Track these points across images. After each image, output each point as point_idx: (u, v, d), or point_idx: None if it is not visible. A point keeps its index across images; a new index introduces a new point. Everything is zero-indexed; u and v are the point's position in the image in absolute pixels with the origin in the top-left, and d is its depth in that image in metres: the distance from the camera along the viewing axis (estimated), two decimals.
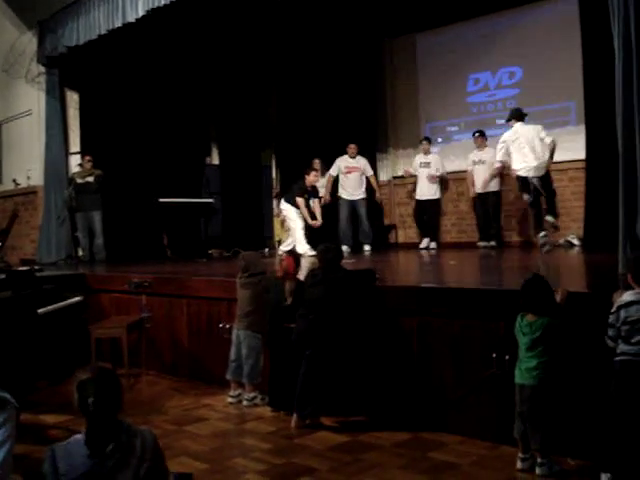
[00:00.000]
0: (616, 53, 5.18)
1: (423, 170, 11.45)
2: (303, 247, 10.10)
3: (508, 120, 9.31)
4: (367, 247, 11.11)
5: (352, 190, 11.32)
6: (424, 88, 12.50)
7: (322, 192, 11.33)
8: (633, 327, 3.71)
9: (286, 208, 10.58)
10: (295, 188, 10.54)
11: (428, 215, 11.56)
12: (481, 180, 10.63)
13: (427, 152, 11.54)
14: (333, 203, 11.44)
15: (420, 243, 11.50)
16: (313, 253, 9.76)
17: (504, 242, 10.77)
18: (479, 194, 10.77)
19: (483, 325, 4.76)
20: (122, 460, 2.62)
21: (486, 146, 10.77)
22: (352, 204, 11.30)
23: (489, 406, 4.71)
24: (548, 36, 10.74)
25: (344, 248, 10.48)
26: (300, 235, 10.35)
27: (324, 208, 11.19)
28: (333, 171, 11.44)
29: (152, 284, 7.52)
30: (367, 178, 11.54)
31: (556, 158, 9.45)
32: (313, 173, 10.62)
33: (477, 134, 10.92)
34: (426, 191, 11.45)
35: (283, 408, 5.59)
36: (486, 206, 10.69)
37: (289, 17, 11.12)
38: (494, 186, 10.62)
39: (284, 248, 10.35)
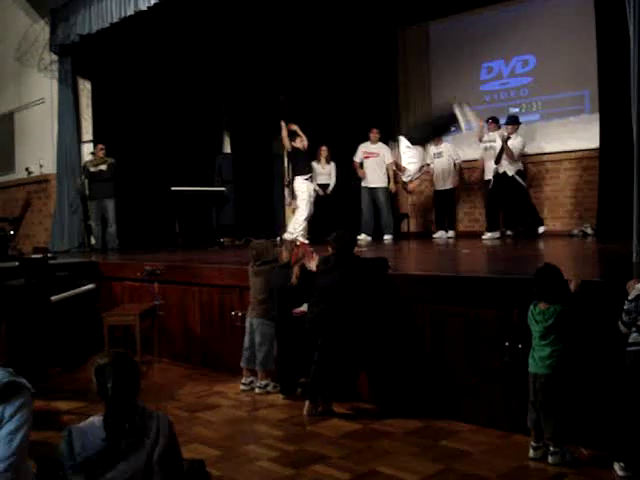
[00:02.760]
0: (631, 40, 5.15)
1: (437, 161, 11.31)
2: (294, 227, 10.09)
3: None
4: (387, 236, 10.97)
5: (370, 177, 11.18)
6: (437, 76, 12.46)
7: (329, 180, 11.32)
8: None
9: (296, 182, 10.38)
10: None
11: (447, 205, 11.39)
12: (490, 166, 10.48)
13: (439, 142, 11.41)
14: (357, 191, 11.37)
15: (435, 233, 11.37)
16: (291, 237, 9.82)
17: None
18: (489, 180, 10.56)
19: (496, 314, 4.75)
20: (136, 441, 2.66)
21: (498, 129, 10.57)
22: (371, 192, 11.17)
23: (502, 395, 4.71)
24: (562, 24, 10.67)
25: (363, 236, 10.51)
26: (300, 218, 10.18)
27: (347, 196, 11.26)
28: (356, 157, 11.34)
29: (164, 272, 7.55)
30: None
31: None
32: (299, 139, 10.41)
33: (490, 120, 10.71)
34: (442, 181, 11.32)
35: (293, 393, 5.65)
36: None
37: (303, 5, 11.08)
38: (511, 170, 10.22)
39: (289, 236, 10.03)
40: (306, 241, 9.28)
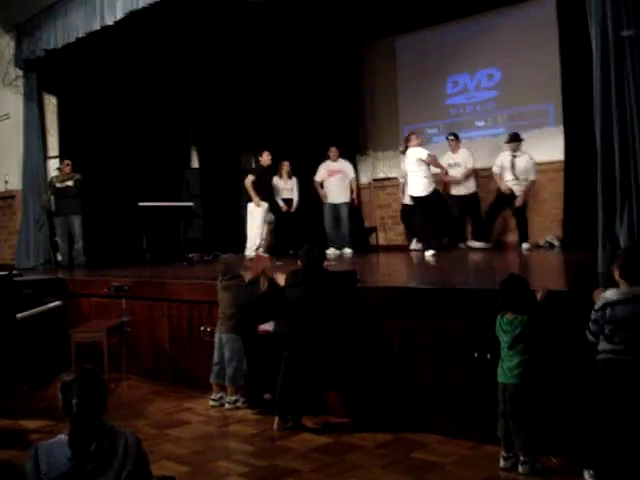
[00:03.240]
0: (594, 55, 5.23)
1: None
2: (250, 245, 10.34)
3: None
4: (347, 250, 10.91)
5: (335, 194, 11.17)
6: (403, 90, 12.53)
7: (291, 194, 11.35)
8: (617, 327, 3.73)
9: (248, 208, 10.64)
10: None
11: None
12: (456, 182, 10.62)
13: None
14: (319, 206, 11.35)
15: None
16: (251, 255, 9.86)
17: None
18: (454, 196, 10.70)
19: (464, 325, 4.78)
20: (103, 462, 2.61)
21: (460, 148, 10.70)
22: (335, 208, 11.14)
23: (471, 406, 4.73)
24: (526, 38, 10.80)
25: (331, 251, 10.50)
26: (252, 234, 10.45)
27: (311, 211, 11.26)
28: (317, 177, 11.36)
29: (132, 288, 7.49)
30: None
31: (535, 159, 9.57)
32: (265, 153, 10.68)
33: (451, 137, 10.73)
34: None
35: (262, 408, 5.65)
36: (462, 208, 10.62)
37: (268, 20, 11.12)
38: (472, 188, 10.59)
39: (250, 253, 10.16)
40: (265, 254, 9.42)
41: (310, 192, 11.46)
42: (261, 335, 5.65)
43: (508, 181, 9.72)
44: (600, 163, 5.21)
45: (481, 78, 11.61)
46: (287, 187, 11.39)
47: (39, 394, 6.44)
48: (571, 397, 4.22)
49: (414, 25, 11.99)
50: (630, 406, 3.69)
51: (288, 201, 11.33)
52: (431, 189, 9.79)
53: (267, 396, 5.69)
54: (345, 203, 11.19)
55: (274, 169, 11.21)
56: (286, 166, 11.39)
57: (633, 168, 5.02)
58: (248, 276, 6.06)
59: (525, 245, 9.57)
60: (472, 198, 10.55)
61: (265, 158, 10.77)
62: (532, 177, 9.59)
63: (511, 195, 9.68)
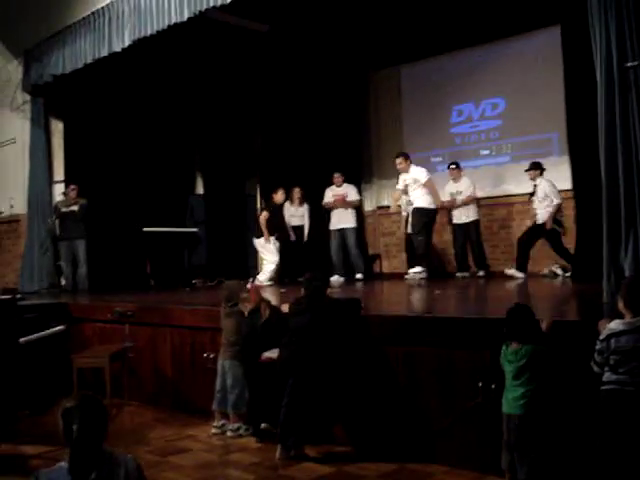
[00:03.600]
0: (598, 85, 5.26)
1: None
2: (264, 276, 10.45)
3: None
4: (359, 275, 10.88)
5: (339, 219, 11.16)
6: (408, 119, 12.61)
7: (302, 221, 11.37)
8: (622, 357, 3.71)
9: (256, 242, 10.73)
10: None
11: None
12: (459, 211, 10.66)
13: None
14: (326, 233, 11.36)
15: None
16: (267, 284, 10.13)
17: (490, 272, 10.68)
18: (459, 225, 10.73)
19: (469, 354, 4.75)
20: None
21: (462, 177, 10.74)
22: (341, 234, 11.11)
23: (476, 436, 4.69)
24: (531, 68, 10.88)
25: (335, 278, 10.49)
26: (267, 268, 10.57)
27: (319, 238, 11.28)
28: (326, 200, 11.35)
29: (135, 313, 7.47)
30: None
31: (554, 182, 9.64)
32: (280, 191, 10.81)
33: (452, 166, 10.82)
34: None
35: (264, 436, 5.57)
36: (466, 237, 10.65)
37: (275, 48, 11.23)
38: (473, 215, 10.60)
39: (261, 277, 10.40)
40: (255, 283, 9.51)
41: (318, 219, 11.49)
42: (264, 363, 5.61)
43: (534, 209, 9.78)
44: (605, 193, 5.22)
45: (485, 107, 11.68)
46: (298, 214, 11.43)
47: (41, 419, 6.39)
48: (576, 429, 4.18)
49: (419, 54, 12.12)
50: (634, 437, 3.66)
51: (298, 228, 11.36)
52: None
53: (264, 425, 5.65)
54: (352, 228, 11.14)
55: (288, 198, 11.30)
56: (297, 192, 11.41)
57: (638, 199, 5.02)
58: (248, 307, 6.04)
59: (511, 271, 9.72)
60: (473, 226, 10.56)
61: (279, 196, 10.86)
62: (556, 200, 9.42)
63: (536, 223, 9.68)
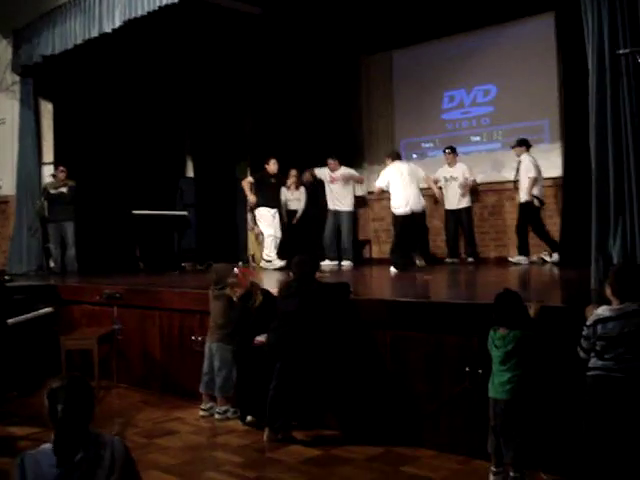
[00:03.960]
0: (590, 72, 5.25)
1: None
2: (267, 254, 10.44)
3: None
4: (346, 262, 10.81)
5: (336, 200, 11.06)
6: (400, 104, 12.58)
7: (298, 205, 11.34)
8: (608, 343, 3.72)
9: (258, 212, 10.73)
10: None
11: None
12: (452, 196, 10.67)
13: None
14: (320, 217, 11.33)
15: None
16: (272, 265, 10.15)
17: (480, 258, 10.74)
18: (451, 211, 10.75)
19: (457, 339, 4.77)
20: (89, 471, 2.58)
21: (457, 162, 10.76)
22: (336, 216, 11.04)
23: (462, 420, 4.72)
24: (523, 54, 10.86)
25: (326, 262, 10.46)
26: (268, 241, 10.53)
27: (311, 222, 11.29)
28: (318, 172, 11.28)
29: (124, 296, 7.46)
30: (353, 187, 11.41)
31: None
32: (272, 161, 10.80)
33: (448, 150, 10.84)
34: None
35: (254, 422, 5.56)
36: (458, 223, 10.67)
37: (267, 31, 11.16)
38: (466, 202, 10.63)
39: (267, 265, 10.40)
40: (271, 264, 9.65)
41: (313, 203, 11.53)
42: (254, 347, 5.61)
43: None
44: (594, 180, 5.22)
45: (477, 93, 11.66)
46: (294, 197, 11.39)
47: (29, 400, 6.39)
48: (562, 413, 4.21)
49: (411, 40, 12.07)
50: (619, 423, 3.68)
51: (293, 212, 11.35)
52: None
53: (249, 419, 5.64)
54: (348, 212, 11.11)
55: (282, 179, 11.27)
56: (293, 176, 11.36)
57: (627, 186, 5.03)
58: (238, 291, 6.01)
59: (515, 258, 9.70)
60: (465, 212, 10.59)
61: (271, 166, 10.81)
62: (531, 174, 9.42)
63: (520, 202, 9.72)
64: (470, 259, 10.43)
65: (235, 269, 6.54)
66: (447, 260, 10.59)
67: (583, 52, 5.45)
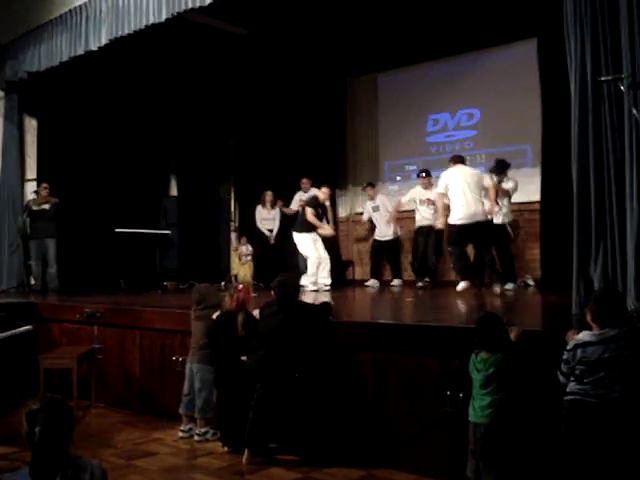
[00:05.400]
0: (572, 98, 5.30)
1: (375, 214, 11.38)
2: (309, 279, 9.83)
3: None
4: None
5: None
6: (384, 126, 12.65)
7: (273, 224, 11.36)
8: (588, 368, 3.73)
9: (298, 238, 10.12)
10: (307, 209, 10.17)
11: (389, 254, 11.38)
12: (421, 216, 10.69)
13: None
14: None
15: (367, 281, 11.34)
16: (315, 288, 9.70)
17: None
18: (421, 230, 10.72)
19: (438, 362, 4.77)
20: None
21: (432, 185, 10.74)
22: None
23: (442, 444, 4.70)
24: (507, 79, 10.97)
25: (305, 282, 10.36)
26: (311, 265, 9.94)
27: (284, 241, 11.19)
28: (293, 206, 11.42)
29: (105, 315, 7.41)
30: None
31: (512, 199, 9.62)
32: (323, 190, 10.35)
33: (423, 174, 10.82)
34: (385, 231, 11.30)
35: (234, 445, 5.50)
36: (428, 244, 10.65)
37: (252, 52, 11.22)
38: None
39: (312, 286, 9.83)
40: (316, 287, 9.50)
41: (288, 222, 11.41)
42: (237, 365, 5.54)
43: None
44: (576, 206, 5.25)
45: (461, 117, 11.75)
46: (270, 217, 11.41)
47: (6, 420, 6.31)
48: (542, 438, 4.21)
49: (396, 63, 12.17)
50: (595, 448, 3.68)
51: (271, 231, 11.37)
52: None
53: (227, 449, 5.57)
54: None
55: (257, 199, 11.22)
56: (269, 195, 11.43)
57: (608, 212, 5.06)
58: (227, 305, 5.95)
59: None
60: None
61: (323, 196, 10.38)
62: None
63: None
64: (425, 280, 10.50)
65: (240, 285, 6.49)
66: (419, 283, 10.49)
67: (564, 77, 5.50)
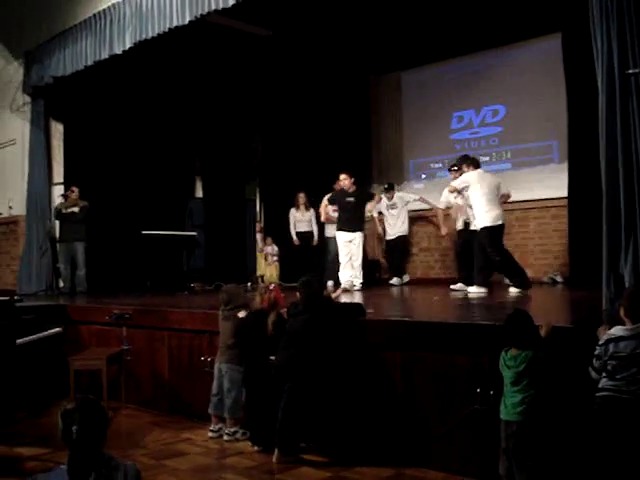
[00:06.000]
0: (599, 92, 5.25)
1: (391, 212, 11.36)
2: (344, 276, 9.67)
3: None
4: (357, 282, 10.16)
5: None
6: (409, 125, 12.61)
7: (309, 227, 11.32)
8: (620, 363, 3.70)
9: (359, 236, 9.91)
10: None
11: (397, 252, 11.43)
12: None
13: (392, 197, 11.27)
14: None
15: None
16: (355, 287, 9.56)
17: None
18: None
19: (467, 360, 4.74)
20: None
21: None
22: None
23: (473, 442, 4.67)
24: (531, 75, 10.89)
25: (330, 283, 10.31)
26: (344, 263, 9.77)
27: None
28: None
29: (133, 316, 7.45)
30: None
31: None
32: (342, 176, 9.97)
33: (454, 168, 10.09)
34: (398, 229, 11.32)
35: (263, 443, 5.51)
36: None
37: (277, 52, 11.23)
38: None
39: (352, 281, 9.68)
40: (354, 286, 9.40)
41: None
42: (266, 365, 5.55)
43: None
44: (605, 201, 5.20)
45: (486, 114, 11.69)
46: (304, 219, 11.36)
47: (37, 421, 6.37)
48: (574, 435, 4.16)
49: (420, 60, 12.14)
50: (628, 445, 3.64)
51: (305, 234, 11.32)
52: None
53: (257, 448, 5.56)
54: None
55: (289, 203, 11.22)
56: (302, 197, 11.40)
57: (638, 206, 5.00)
58: (258, 302, 5.97)
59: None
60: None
61: (343, 182, 10.03)
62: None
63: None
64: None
65: (272, 285, 6.49)
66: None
67: (589, 72, 5.46)
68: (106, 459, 2.65)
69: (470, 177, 8.49)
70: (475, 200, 8.39)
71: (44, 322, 7.55)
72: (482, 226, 8.25)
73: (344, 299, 7.62)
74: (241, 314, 5.98)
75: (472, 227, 8.97)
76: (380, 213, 11.53)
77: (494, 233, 8.26)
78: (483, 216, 8.26)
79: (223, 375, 5.97)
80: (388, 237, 11.51)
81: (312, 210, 11.47)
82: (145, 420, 6.81)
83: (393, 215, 11.36)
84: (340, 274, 9.78)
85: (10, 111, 11.49)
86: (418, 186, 12.29)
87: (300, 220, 11.41)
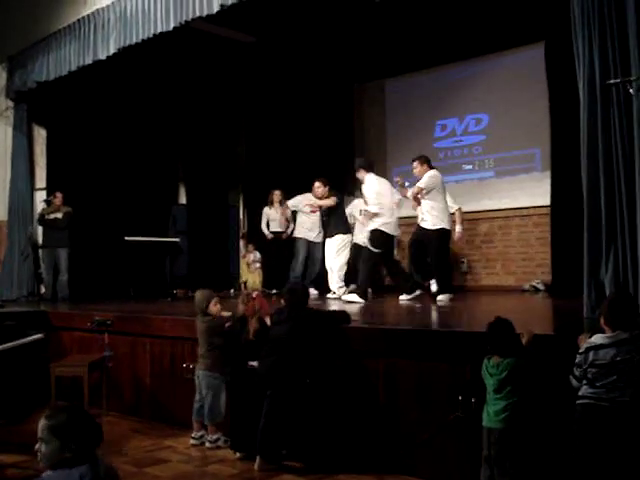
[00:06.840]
0: (581, 101, 5.29)
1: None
2: (335, 285, 9.42)
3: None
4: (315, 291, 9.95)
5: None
6: (392, 132, 12.65)
7: (281, 226, 11.20)
8: (600, 370, 3.72)
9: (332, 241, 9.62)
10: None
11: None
12: None
13: None
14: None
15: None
16: (338, 295, 9.20)
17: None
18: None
19: (449, 367, 4.75)
20: None
21: None
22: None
23: (455, 450, 4.68)
24: (514, 84, 10.96)
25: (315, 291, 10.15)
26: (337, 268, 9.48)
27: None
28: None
29: (115, 323, 7.41)
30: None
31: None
32: (316, 184, 9.78)
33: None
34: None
35: (245, 450, 5.49)
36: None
37: (260, 59, 11.24)
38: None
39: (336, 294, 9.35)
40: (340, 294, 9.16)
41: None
42: (249, 372, 5.54)
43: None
44: (586, 210, 5.24)
45: (469, 122, 11.74)
46: (278, 217, 11.14)
47: (17, 429, 6.32)
48: (555, 443, 4.18)
49: (404, 69, 12.17)
50: (607, 453, 3.66)
51: (278, 234, 11.18)
52: None
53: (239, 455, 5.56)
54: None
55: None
56: (277, 195, 11.17)
57: (619, 215, 5.05)
58: (240, 312, 5.95)
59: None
60: None
61: (315, 190, 9.86)
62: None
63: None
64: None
65: (254, 292, 6.48)
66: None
67: (572, 81, 5.51)
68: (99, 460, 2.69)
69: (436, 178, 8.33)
70: (438, 200, 8.25)
71: (25, 328, 7.50)
72: (444, 227, 8.23)
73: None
74: (204, 320, 5.96)
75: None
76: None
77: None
78: (445, 218, 8.23)
79: (201, 382, 5.96)
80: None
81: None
82: (126, 427, 6.78)
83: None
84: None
85: None
86: None
87: (274, 219, 11.17)
